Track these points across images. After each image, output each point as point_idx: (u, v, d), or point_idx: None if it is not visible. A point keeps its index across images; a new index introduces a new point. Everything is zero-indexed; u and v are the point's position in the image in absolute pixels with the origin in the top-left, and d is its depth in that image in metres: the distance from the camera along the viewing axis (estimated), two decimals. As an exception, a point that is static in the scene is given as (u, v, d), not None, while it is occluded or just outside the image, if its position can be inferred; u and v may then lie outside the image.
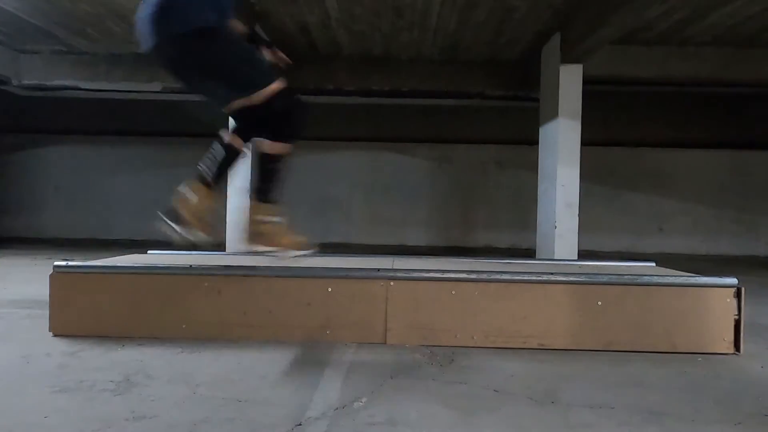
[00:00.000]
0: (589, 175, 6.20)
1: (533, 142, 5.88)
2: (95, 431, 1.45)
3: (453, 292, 2.40)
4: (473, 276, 2.43)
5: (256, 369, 2.01)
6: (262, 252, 2.41)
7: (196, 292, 2.43)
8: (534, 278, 2.41)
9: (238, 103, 2.24)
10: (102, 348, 2.24)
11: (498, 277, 2.42)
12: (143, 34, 2.24)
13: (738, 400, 1.79)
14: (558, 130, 5.10)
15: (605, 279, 2.45)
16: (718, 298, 2.37)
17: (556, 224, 5.09)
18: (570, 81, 5.11)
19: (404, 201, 8.69)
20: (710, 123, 8.34)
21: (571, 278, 2.43)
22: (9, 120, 8.71)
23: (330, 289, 2.42)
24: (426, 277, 2.44)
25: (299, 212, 9.15)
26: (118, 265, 2.53)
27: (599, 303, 2.38)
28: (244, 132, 2.42)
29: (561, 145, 5.09)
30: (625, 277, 2.45)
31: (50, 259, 5.29)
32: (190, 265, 2.49)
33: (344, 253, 4.07)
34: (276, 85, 2.22)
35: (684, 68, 6.05)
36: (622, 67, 6.02)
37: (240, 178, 5.02)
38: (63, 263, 2.48)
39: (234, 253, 4.15)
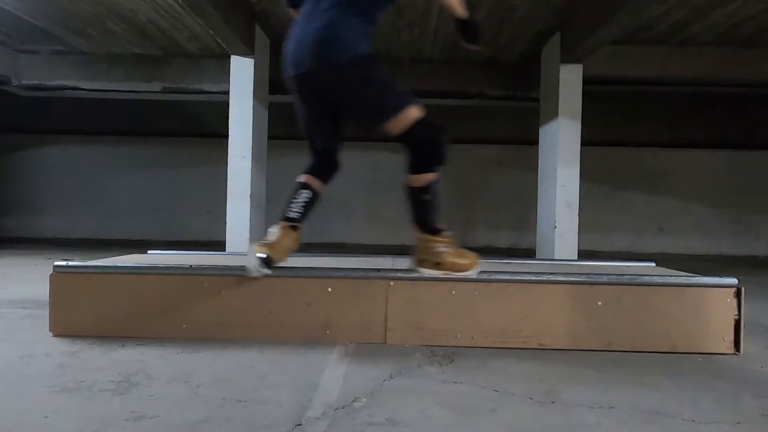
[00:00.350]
0: (589, 175, 6.20)
1: (533, 142, 5.88)
2: (95, 431, 1.45)
3: (453, 292, 2.40)
4: (473, 276, 2.43)
5: (256, 369, 2.01)
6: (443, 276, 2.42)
7: (196, 292, 2.43)
8: (534, 278, 2.41)
9: (385, 130, 2.30)
10: (102, 348, 2.24)
11: (498, 277, 2.42)
12: (298, 61, 2.32)
13: (738, 400, 1.79)
14: (558, 130, 5.10)
15: (605, 279, 2.45)
16: (718, 298, 2.37)
17: (556, 224, 5.09)
18: (570, 81, 5.11)
19: (404, 201, 8.68)
20: (710, 123, 8.34)
21: (571, 278, 2.43)
22: (9, 120, 8.71)
23: (330, 289, 2.41)
24: (426, 277, 2.44)
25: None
26: (118, 265, 2.53)
27: (599, 303, 2.38)
28: (325, 172, 2.56)
29: (561, 145, 5.10)
30: (625, 277, 2.45)
31: (50, 259, 5.29)
32: (190, 265, 2.49)
33: (344, 253, 4.07)
34: (416, 112, 2.28)
35: (684, 68, 6.05)
36: (622, 67, 6.03)
37: (241, 182, 5.02)
38: (63, 263, 2.48)
39: (234, 253, 4.16)
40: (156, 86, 6.77)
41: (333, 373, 1.97)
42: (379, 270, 2.48)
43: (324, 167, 2.57)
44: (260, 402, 1.68)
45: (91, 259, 2.66)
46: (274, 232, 2.40)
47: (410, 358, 2.18)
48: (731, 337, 2.35)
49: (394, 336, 2.39)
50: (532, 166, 6.02)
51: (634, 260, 3.32)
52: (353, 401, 1.69)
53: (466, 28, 2.51)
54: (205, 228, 8.56)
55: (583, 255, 5.26)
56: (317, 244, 8.52)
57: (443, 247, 2.39)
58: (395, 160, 8.79)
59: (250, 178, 5.06)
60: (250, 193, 5.05)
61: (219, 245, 5.11)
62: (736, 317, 2.35)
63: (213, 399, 1.69)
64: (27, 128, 8.91)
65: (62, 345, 2.28)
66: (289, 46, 2.39)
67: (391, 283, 2.41)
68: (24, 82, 6.78)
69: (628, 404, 1.72)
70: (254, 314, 2.41)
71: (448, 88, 6.76)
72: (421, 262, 2.42)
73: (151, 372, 1.94)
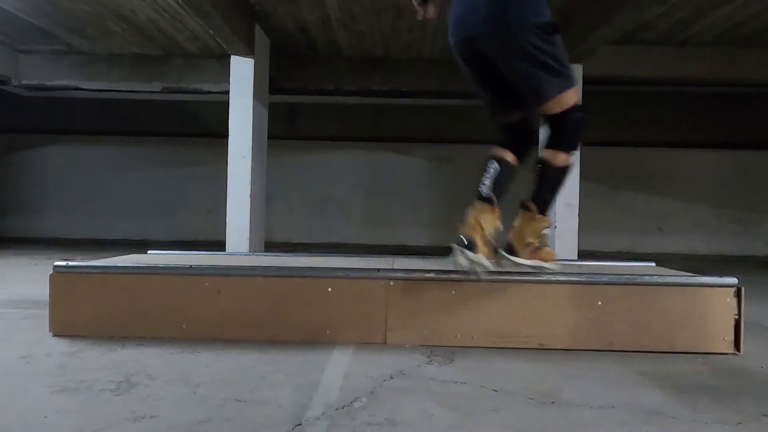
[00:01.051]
0: (589, 175, 6.19)
1: (533, 142, 5.87)
2: (95, 431, 1.45)
3: (453, 292, 2.40)
4: (473, 276, 2.43)
5: (256, 369, 2.01)
6: (530, 266, 2.28)
7: (196, 292, 2.43)
8: (534, 278, 2.41)
9: (542, 107, 2.18)
10: (102, 348, 2.24)
11: (498, 277, 2.42)
12: (471, 21, 2.16)
13: (738, 400, 1.79)
14: (558, 130, 5.10)
15: (605, 279, 2.45)
16: (718, 298, 2.37)
17: (556, 224, 5.09)
18: (570, 81, 5.10)
19: (404, 201, 8.69)
20: (710, 123, 8.34)
21: (571, 278, 2.43)
22: (9, 120, 8.71)
23: (330, 289, 2.41)
24: (426, 277, 2.44)
25: (299, 212, 9.21)
26: (118, 265, 2.53)
27: (599, 303, 2.38)
28: (516, 145, 2.35)
29: (561, 145, 5.09)
30: (625, 277, 2.45)
31: (50, 259, 5.29)
32: (190, 265, 2.49)
33: (344, 253, 4.07)
34: (577, 94, 2.19)
35: (684, 68, 6.05)
36: (622, 67, 6.02)
37: (241, 182, 5.02)
38: (63, 263, 2.48)
39: (234, 253, 4.16)
40: (156, 86, 6.77)
41: (333, 373, 1.97)
42: (379, 270, 2.48)
43: (512, 138, 2.38)
44: (260, 402, 1.68)
45: (91, 259, 2.66)
46: (475, 209, 2.24)
47: (410, 358, 2.18)
48: (731, 336, 2.35)
49: (394, 336, 2.39)
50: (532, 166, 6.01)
51: (634, 260, 3.32)
52: (353, 401, 1.69)
53: None
54: (205, 228, 8.55)
55: (583, 255, 5.26)
56: (317, 244, 8.53)
57: (546, 231, 2.30)
58: (395, 160, 8.83)
59: (250, 178, 5.05)
60: (250, 193, 5.04)
61: (219, 245, 5.11)
62: (736, 317, 2.35)
63: (213, 399, 1.69)
64: (27, 128, 8.90)
65: (62, 345, 2.28)
66: (458, 7, 2.23)
67: (391, 283, 2.41)
68: (24, 82, 6.77)
69: (628, 404, 1.72)
70: (254, 314, 2.41)
71: (448, 88, 6.75)
72: (517, 249, 2.26)
73: (151, 372, 1.94)
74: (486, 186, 2.24)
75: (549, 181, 2.29)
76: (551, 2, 2.24)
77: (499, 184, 2.25)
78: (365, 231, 8.78)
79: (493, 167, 2.27)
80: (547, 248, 2.33)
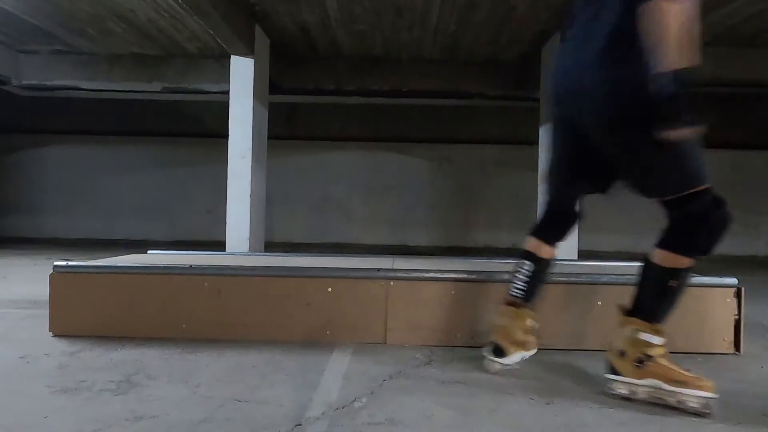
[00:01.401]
0: (589, 175, 6.18)
1: (533, 142, 5.88)
2: (95, 431, 1.45)
3: (453, 292, 2.40)
4: (473, 276, 2.43)
5: (256, 369, 2.01)
6: (639, 388, 1.75)
7: (196, 292, 2.43)
8: (534, 278, 2.40)
9: (665, 197, 1.80)
10: (102, 348, 2.24)
11: (498, 277, 2.42)
12: (572, 100, 1.85)
13: (738, 400, 1.79)
14: (558, 130, 5.10)
15: (605, 279, 2.45)
16: (718, 298, 2.37)
17: (556, 224, 5.08)
18: (570, 81, 5.10)
19: (404, 201, 8.69)
20: (710, 123, 8.33)
21: (571, 278, 2.43)
22: (9, 120, 8.71)
23: (330, 289, 2.41)
24: (426, 277, 2.44)
25: (299, 212, 9.20)
26: (118, 265, 2.53)
27: (599, 303, 2.38)
28: (558, 231, 2.09)
29: (561, 145, 5.09)
30: (625, 277, 2.45)
31: (50, 259, 5.29)
32: (190, 265, 2.49)
33: (344, 253, 4.07)
34: (707, 186, 1.77)
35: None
36: (622, 67, 6.02)
37: (241, 182, 5.02)
38: (63, 263, 2.48)
39: (234, 253, 4.16)
40: (156, 86, 6.77)
41: (333, 373, 1.97)
42: (379, 270, 2.48)
43: (556, 223, 2.09)
44: (260, 402, 1.68)
45: (91, 259, 2.66)
46: (499, 314, 2.06)
47: (410, 358, 2.18)
48: (731, 337, 2.36)
49: (394, 336, 2.39)
50: (532, 166, 6.01)
51: (634, 260, 3.31)
52: (353, 401, 1.69)
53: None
54: (205, 228, 8.56)
55: (583, 255, 5.26)
56: (317, 244, 8.53)
57: (657, 342, 1.76)
58: (395, 160, 8.83)
59: (250, 178, 5.05)
60: (250, 193, 5.04)
61: (219, 245, 5.11)
62: (736, 317, 2.36)
63: (213, 399, 1.69)
64: (27, 128, 8.91)
65: (62, 345, 2.28)
66: (560, 76, 1.95)
67: (391, 283, 2.41)
68: (24, 82, 6.77)
69: (629, 404, 1.72)
70: (254, 314, 2.41)
71: (448, 88, 6.76)
72: (617, 366, 1.81)
73: (151, 372, 1.94)
74: (516, 288, 2.03)
75: (657, 286, 1.83)
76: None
77: (533, 285, 2.04)
78: (365, 231, 8.78)
79: (526, 267, 2.04)
80: (662, 362, 1.75)
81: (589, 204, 2.15)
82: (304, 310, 2.41)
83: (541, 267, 2.05)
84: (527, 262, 2.05)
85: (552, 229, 2.09)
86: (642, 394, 1.74)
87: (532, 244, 2.08)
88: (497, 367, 2.01)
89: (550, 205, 2.11)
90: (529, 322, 2.03)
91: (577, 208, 2.10)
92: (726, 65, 6.02)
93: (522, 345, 2.01)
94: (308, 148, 8.78)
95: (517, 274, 2.05)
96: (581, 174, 2.02)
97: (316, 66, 6.65)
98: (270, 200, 5.94)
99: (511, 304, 2.03)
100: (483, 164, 8.73)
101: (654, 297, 1.82)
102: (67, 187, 9.01)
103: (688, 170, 1.77)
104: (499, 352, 2.01)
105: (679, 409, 1.66)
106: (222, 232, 5.05)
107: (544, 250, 2.06)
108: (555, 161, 2.06)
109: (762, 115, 8.28)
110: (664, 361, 1.74)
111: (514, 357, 2.00)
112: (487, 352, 2.04)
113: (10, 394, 1.72)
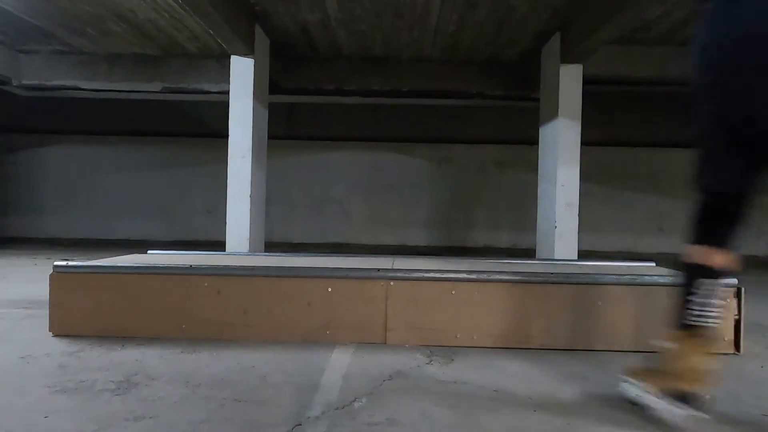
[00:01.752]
0: (589, 175, 6.20)
1: (533, 142, 5.88)
2: (95, 431, 1.45)
3: (453, 292, 2.40)
4: (473, 276, 2.43)
5: (256, 369, 2.01)
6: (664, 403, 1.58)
7: (196, 292, 2.43)
8: (534, 278, 2.41)
9: None
10: (102, 348, 2.24)
11: (498, 277, 2.42)
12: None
13: (738, 400, 1.79)
14: (558, 130, 5.10)
15: (605, 279, 2.45)
16: (718, 298, 2.36)
17: (556, 224, 5.09)
18: (570, 81, 5.11)
19: (404, 201, 8.69)
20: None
21: (571, 278, 2.43)
22: (9, 120, 8.71)
23: (330, 289, 2.41)
24: (426, 277, 2.44)
25: (299, 212, 9.19)
26: (118, 265, 2.53)
27: (599, 303, 2.38)
28: (729, 229, 1.66)
29: (561, 145, 5.09)
30: (625, 277, 2.45)
31: (50, 259, 5.29)
32: (190, 265, 2.49)
33: (344, 253, 4.07)
34: None
35: (684, 68, 6.02)
36: (622, 67, 6.02)
37: (241, 182, 5.03)
38: (63, 263, 2.48)
39: (234, 253, 4.16)
40: (156, 86, 6.77)
41: (333, 373, 1.97)
42: (379, 270, 2.48)
43: (724, 223, 1.66)
44: (260, 402, 1.68)
45: (91, 259, 2.66)
46: (665, 348, 1.64)
47: (410, 358, 2.18)
48: (731, 336, 2.36)
49: (394, 336, 2.39)
50: (532, 166, 6.01)
51: (634, 260, 3.32)
52: (353, 401, 1.69)
53: None
54: (205, 228, 8.56)
55: (583, 255, 5.26)
56: (317, 244, 8.52)
57: (680, 351, 1.55)
58: (395, 160, 8.82)
59: (250, 178, 5.05)
60: (250, 193, 5.04)
61: (219, 245, 5.11)
62: (736, 317, 2.36)
63: (213, 399, 1.69)
64: (27, 128, 8.90)
65: (62, 345, 2.28)
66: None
67: (391, 283, 2.41)
68: (24, 82, 6.78)
69: (629, 404, 1.72)
70: (254, 314, 2.41)
71: (448, 88, 6.75)
72: (652, 376, 1.65)
73: (151, 372, 1.94)
74: (694, 314, 1.61)
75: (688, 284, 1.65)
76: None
77: (705, 303, 1.61)
78: (365, 231, 8.78)
79: (705, 285, 1.62)
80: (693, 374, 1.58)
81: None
82: (304, 310, 2.41)
83: (714, 277, 1.65)
84: (704, 280, 1.65)
85: (720, 231, 1.69)
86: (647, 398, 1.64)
87: (698, 254, 1.68)
88: (689, 422, 1.57)
89: (708, 191, 1.70)
90: (706, 357, 1.63)
91: (743, 204, 1.69)
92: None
93: (698, 385, 1.60)
94: (308, 148, 8.78)
95: (691, 297, 1.65)
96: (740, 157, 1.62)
97: (316, 66, 6.65)
98: (270, 200, 5.94)
99: (694, 335, 1.62)
100: (483, 164, 8.72)
101: (684, 298, 1.69)
102: (67, 187, 9.01)
103: None
104: (686, 397, 1.59)
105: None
106: (222, 232, 5.05)
107: (717, 258, 1.65)
108: (709, 139, 1.65)
109: None
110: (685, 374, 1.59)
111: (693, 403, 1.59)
112: (669, 403, 1.59)
113: (10, 394, 1.72)
